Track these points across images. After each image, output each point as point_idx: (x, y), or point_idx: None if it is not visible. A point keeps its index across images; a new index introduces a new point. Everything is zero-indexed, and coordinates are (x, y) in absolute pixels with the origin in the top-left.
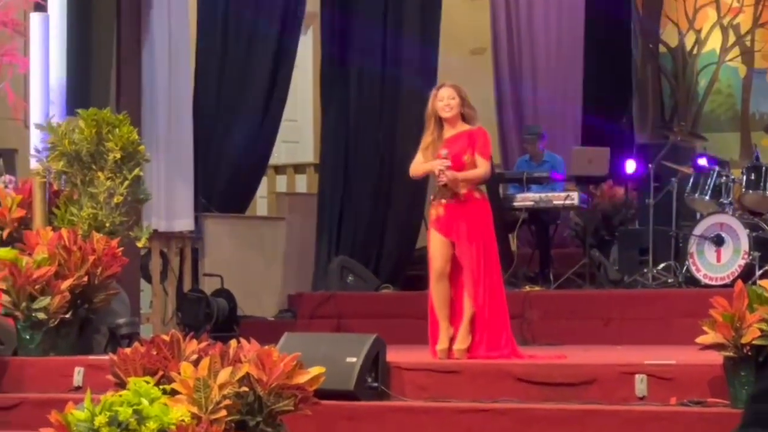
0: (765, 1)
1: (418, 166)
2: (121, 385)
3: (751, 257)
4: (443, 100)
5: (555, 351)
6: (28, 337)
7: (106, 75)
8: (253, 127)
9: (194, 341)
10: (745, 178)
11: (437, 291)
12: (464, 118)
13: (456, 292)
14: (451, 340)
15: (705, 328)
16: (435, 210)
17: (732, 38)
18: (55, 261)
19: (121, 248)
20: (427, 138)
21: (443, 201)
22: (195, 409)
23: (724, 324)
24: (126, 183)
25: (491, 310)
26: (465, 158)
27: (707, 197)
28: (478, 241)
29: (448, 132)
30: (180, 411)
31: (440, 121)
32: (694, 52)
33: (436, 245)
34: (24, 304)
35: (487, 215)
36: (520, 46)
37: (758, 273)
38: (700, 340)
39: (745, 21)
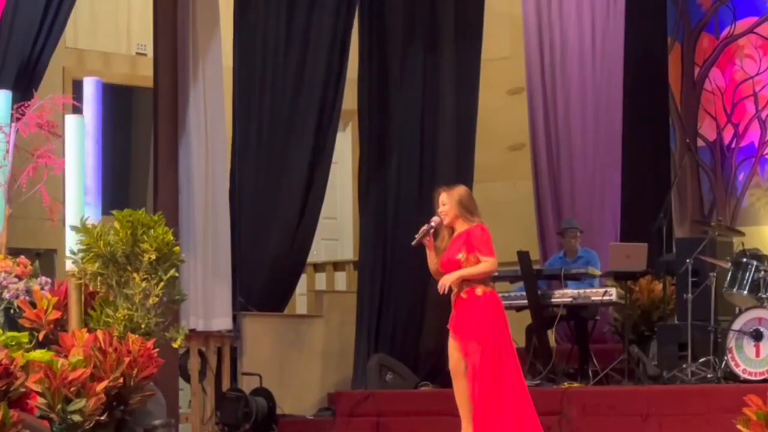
0: None
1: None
2: None
3: None
4: (439, 207)
5: None
6: None
7: (144, 174)
8: (291, 226)
9: None
10: None
11: (455, 389)
12: (462, 220)
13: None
14: None
15: (739, 427)
16: (452, 309)
17: None
18: (91, 363)
19: (157, 349)
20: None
21: (453, 301)
22: None
23: (758, 423)
24: (161, 284)
25: (517, 406)
26: (459, 257)
27: (745, 292)
28: (481, 339)
29: (455, 232)
30: None
31: (451, 229)
32: (733, 145)
33: (450, 343)
34: (59, 407)
35: (492, 312)
36: (558, 141)
37: None
38: None
39: None
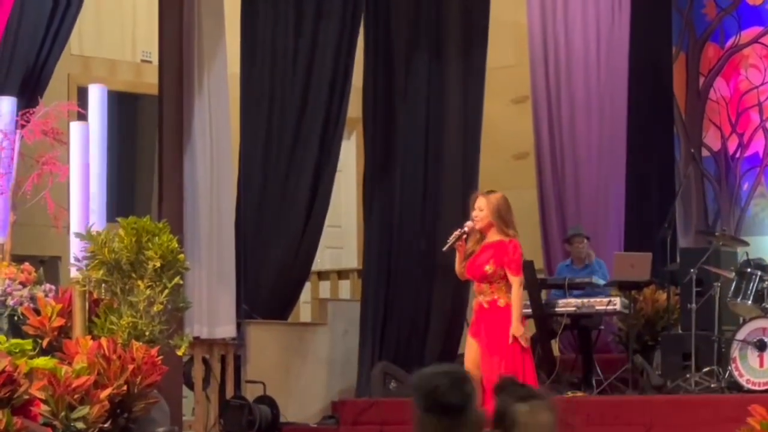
0: None
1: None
2: None
3: None
4: (474, 210)
5: None
6: None
7: (149, 182)
8: (295, 234)
9: None
10: None
11: None
12: (497, 230)
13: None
14: None
15: None
16: (473, 314)
17: None
18: (95, 370)
19: (161, 357)
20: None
21: (475, 306)
22: None
23: None
24: (166, 291)
25: None
26: (486, 268)
27: (749, 302)
28: (501, 352)
29: (486, 239)
30: None
31: (480, 233)
32: (737, 155)
33: (468, 350)
34: (63, 414)
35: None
36: (562, 150)
37: None
38: None
39: None
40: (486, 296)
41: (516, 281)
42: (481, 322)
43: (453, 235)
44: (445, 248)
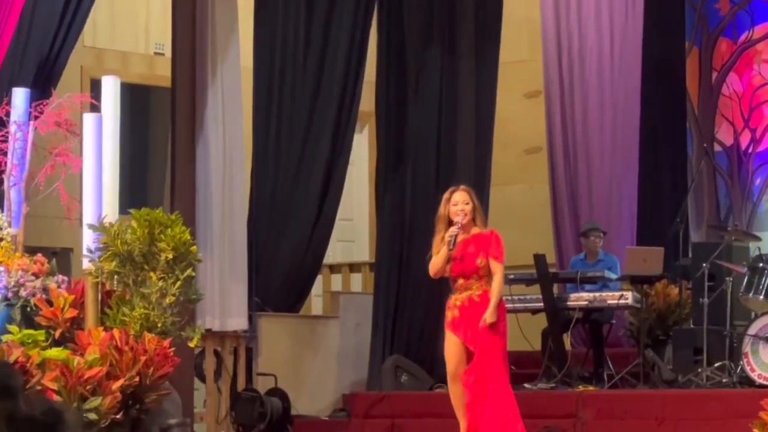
0: None
1: (435, 259)
2: None
3: None
4: (457, 205)
5: None
6: None
7: (161, 174)
8: (307, 227)
9: None
10: None
11: (452, 392)
12: (476, 222)
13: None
14: None
15: (755, 431)
16: (451, 312)
17: None
18: (107, 361)
19: (173, 348)
20: (438, 242)
21: (458, 304)
22: None
23: None
24: (178, 283)
25: (498, 413)
26: (478, 261)
27: (761, 296)
28: (494, 338)
29: (461, 236)
30: None
31: (451, 225)
32: (750, 150)
33: (451, 346)
34: (75, 405)
35: (503, 317)
36: (575, 145)
37: None
38: None
39: None
40: (476, 290)
41: (501, 269)
42: (468, 316)
43: (453, 234)
44: (452, 248)
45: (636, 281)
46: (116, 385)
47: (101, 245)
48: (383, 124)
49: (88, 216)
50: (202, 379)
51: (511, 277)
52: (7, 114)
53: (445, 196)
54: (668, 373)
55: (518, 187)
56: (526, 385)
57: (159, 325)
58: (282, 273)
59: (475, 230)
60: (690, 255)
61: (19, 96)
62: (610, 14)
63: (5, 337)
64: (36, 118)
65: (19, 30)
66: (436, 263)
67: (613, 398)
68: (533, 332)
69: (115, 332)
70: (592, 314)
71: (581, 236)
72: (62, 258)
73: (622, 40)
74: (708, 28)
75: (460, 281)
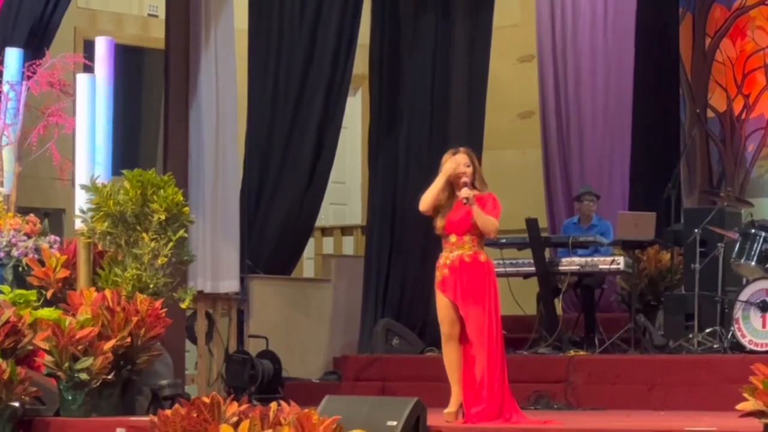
0: None
1: (429, 190)
2: None
3: None
4: (460, 168)
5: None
6: (70, 397)
7: (154, 136)
8: (300, 189)
9: (235, 403)
10: None
11: (446, 354)
12: (475, 184)
13: (467, 354)
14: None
15: (746, 395)
16: (440, 272)
17: None
18: (99, 322)
19: (165, 309)
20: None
21: (448, 263)
22: None
23: (764, 391)
24: (170, 244)
25: (492, 375)
26: (473, 220)
27: (753, 262)
28: (484, 304)
29: (464, 193)
30: None
31: (451, 186)
32: (743, 117)
33: (442, 308)
34: (67, 365)
35: (492, 278)
36: (568, 110)
37: None
38: (740, 406)
39: None
40: (467, 250)
41: (496, 221)
42: (458, 276)
43: (466, 196)
44: (470, 201)
45: (628, 246)
46: (108, 345)
47: (93, 206)
48: (377, 87)
49: (81, 176)
50: (194, 341)
51: (503, 241)
52: (0, 74)
53: (446, 157)
54: (659, 339)
55: (511, 152)
56: (518, 351)
57: (151, 286)
58: (274, 235)
59: (474, 192)
60: (682, 220)
61: (12, 56)
62: None
63: None
64: (29, 78)
65: None
66: (428, 193)
67: (603, 363)
68: (524, 297)
69: (107, 293)
70: (584, 279)
71: (575, 200)
72: (54, 218)
73: (616, 5)
74: None
75: (453, 238)
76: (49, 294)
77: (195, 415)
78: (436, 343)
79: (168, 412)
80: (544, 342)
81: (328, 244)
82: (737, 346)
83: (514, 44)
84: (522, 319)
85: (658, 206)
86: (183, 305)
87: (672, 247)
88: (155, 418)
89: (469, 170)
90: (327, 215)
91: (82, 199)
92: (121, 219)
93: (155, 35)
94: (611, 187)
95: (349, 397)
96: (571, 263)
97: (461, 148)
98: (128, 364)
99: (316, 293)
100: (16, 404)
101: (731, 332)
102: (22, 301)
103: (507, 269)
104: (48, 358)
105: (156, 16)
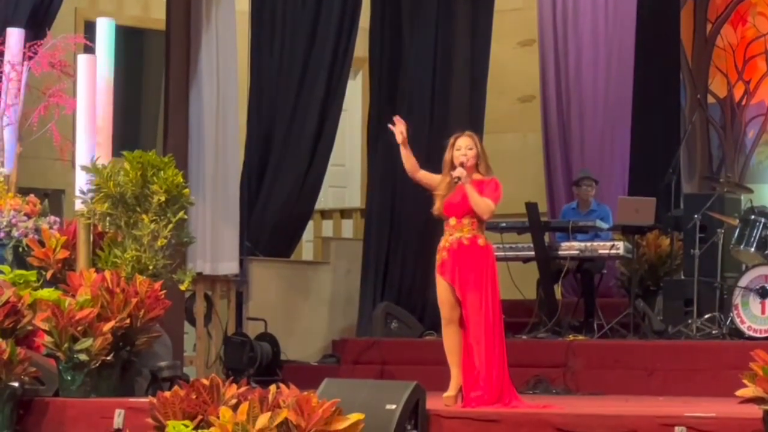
0: None
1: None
2: (161, 428)
3: None
4: (461, 149)
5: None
6: (69, 378)
7: (154, 117)
8: (300, 172)
9: (234, 386)
10: None
11: (446, 337)
12: (479, 169)
13: (467, 339)
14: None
15: (745, 381)
16: (440, 255)
17: None
18: (98, 303)
19: (164, 291)
20: (441, 184)
21: (447, 246)
22: None
23: (764, 377)
24: (170, 226)
25: (490, 360)
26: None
27: (753, 249)
28: (482, 289)
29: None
30: None
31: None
32: (743, 103)
33: (441, 291)
34: (66, 345)
35: (491, 263)
36: (568, 94)
37: None
38: (740, 393)
39: None
40: (467, 233)
41: (492, 204)
42: (456, 260)
43: (458, 175)
44: (463, 180)
45: (627, 231)
46: (107, 326)
47: (93, 186)
48: (377, 70)
49: (81, 157)
50: (193, 323)
51: (503, 225)
52: (1, 54)
53: (450, 141)
54: (658, 324)
55: (511, 136)
56: (517, 335)
57: (150, 267)
58: (274, 218)
59: (476, 176)
60: (682, 206)
61: (14, 36)
62: None
63: None
64: (30, 58)
65: None
66: (405, 164)
67: (603, 348)
68: (524, 282)
69: (107, 274)
70: (584, 264)
71: (573, 185)
72: (54, 199)
73: None
74: None
75: (453, 221)
76: (48, 274)
77: (194, 397)
78: (435, 326)
79: (167, 393)
80: (543, 326)
81: (327, 227)
82: (736, 332)
83: (516, 28)
84: (521, 303)
85: (658, 192)
86: (182, 287)
87: (672, 232)
88: (154, 400)
89: (471, 153)
90: (326, 198)
91: (82, 180)
92: (121, 200)
93: (156, 16)
94: (611, 172)
95: (349, 380)
96: (570, 248)
97: (466, 132)
98: (127, 346)
99: (315, 276)
100: (16, 384)
101: (730, 318)
102: (21, 281)
103: (507, 253)
104: (47, 338)
105: None
